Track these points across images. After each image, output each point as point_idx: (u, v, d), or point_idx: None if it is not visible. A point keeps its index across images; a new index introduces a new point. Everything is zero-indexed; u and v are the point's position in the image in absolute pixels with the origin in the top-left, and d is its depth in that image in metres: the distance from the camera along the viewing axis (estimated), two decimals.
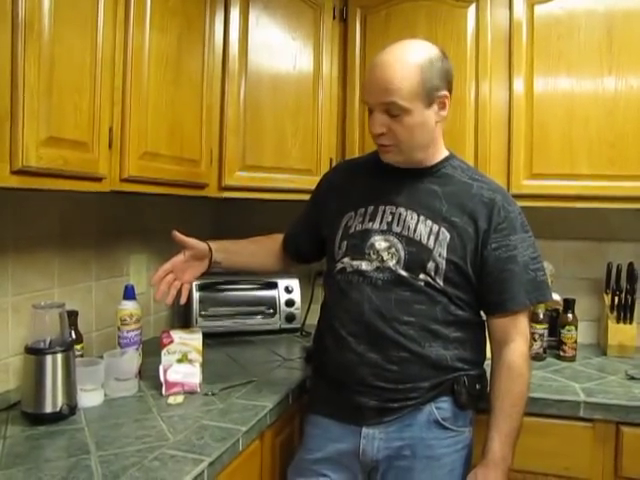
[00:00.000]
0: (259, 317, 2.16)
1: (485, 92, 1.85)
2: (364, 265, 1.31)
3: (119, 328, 1.56)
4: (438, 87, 1.26)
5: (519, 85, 1.82)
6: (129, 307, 1.57)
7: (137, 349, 1.58)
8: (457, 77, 1.41)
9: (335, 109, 1.98)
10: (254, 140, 1.88)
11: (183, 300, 1.43)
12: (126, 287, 1.59)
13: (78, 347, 1.48)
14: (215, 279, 2.14)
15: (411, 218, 1.31)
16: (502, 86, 1.84)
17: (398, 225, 1.31)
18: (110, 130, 1.34)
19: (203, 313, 2.08)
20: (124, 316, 1.56)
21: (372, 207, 1.35)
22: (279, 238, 1.61)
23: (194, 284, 2.07)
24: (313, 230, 1.51)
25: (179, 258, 1.43)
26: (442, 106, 1.29)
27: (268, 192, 1.91)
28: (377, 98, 1.25)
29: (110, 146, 1.34)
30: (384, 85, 1.23)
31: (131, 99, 1.39)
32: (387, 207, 1.33)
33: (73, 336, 1.45)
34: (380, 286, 1.29)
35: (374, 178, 1.38)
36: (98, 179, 1.32)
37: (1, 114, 1.05)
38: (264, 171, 1.89)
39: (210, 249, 1.46)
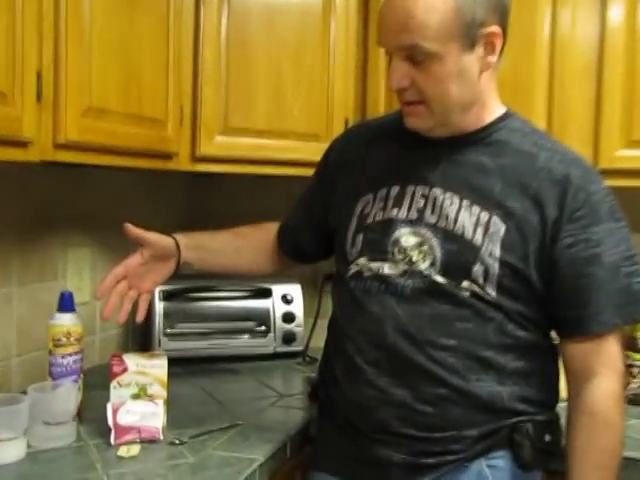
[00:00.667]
0: (246, 337, 2.14)
1: (565, 25, 1.83)
2: (386, 268, 1.31)
3: (51, 352, 1.53)
4: (483, 21, 1.23)
5: (616, 14, 1.79)
6: (66, 322, 1.54)
7: (76, 381, 1.55)
8: (521, 4, 1.38)
9: (353, 50, 1.96)
10: (240, 93, 1.86)
11: (139, 318, 1.44)
12: (62, 295, 1.56)
13: None
14: (185, 284, 2.12)
15: (450, 203, 1.29)
16: (590, 16, 1.82)
17: (433, 213, 1.30)
18: (38, 76, 1.31)
19: (169, 331, 2.07)
20: (58, 335, 1.53)
21: (397, 188, 1.34)
22: (273, 229, 1.60)
23: (157, 291, 2.06)
24: (317, 219, 1.50)
25: (135, 259, 1.44)
26: (491, 48, 1.26)
27: (259, 165, 1.90)
28: (394, 39, 1.23)
29: (39, 98, 1.31)
30: (403, 20, 1.20)
31: (67, 32, 1.36)
32: (418, 188, 1.32)
33: None
34: (408, 297, 1.28)
35: (400, 148, 1.37)
36: (22, 144, 1.29)
37: None
38: (254, 135, 1.88)
39: (178, 246, 1.47)
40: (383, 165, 1.38)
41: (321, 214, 1.49)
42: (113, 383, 1.51)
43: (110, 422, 1.46)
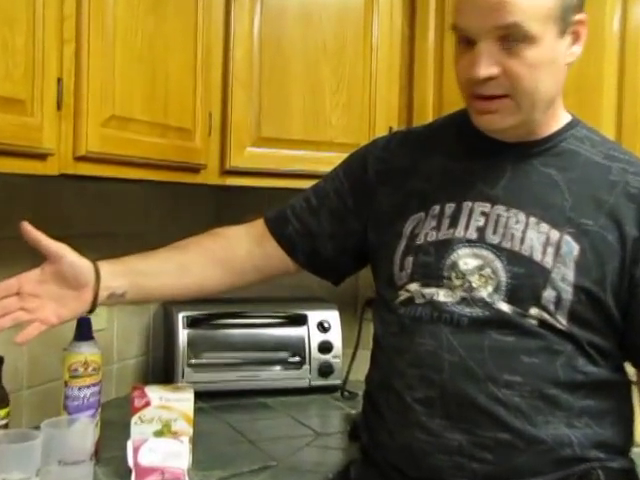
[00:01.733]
0: (278, 368, 2.15)
1: (637, 21, 1.82)
2: (442, 295, 1.30)
3: (67, 383, 1.55)
4: (577, 6, 1.24)
5: None
6: (83, 351, 1.56)
7: (94, 416, 1.57)
8: None
9: (397, 51, 1.98)
10: (274, 99, 1.88)
11: (21, 339, 1.28)
12: (79, 321, 1.57)
13: (2, 412, 1.47)
14: (211, 309, 2.14)
15: (516, 221, 1.29)
16: None
17: (495, 233, 1.29)
18: (59, 82, 1.34)
19: (193, 362, 2.08)
20: (75, 365, 1.55)
21: (454, 205, 1.33)
22: (232, 234, 1.53)
23: (180, 317, 2.07)
24: (346, 230, 1.48)
25: (32, 274, 1.30)
26: (576, 37, 1.27)
27: (294, 178, 1.91)
28: (488, 18, 1.21)
29: (59, 106, 1.34)
30: None
31: (89, 35, 1.39)
32: (477, 204, 1.32)
33: None
34: (466, 327, 1.27)
35: (454, 158, 1.37)
36: (41, 156, 1.32)
37: None
38: (289, 147, 1.90)
39: (97, 273, 1.32)
40: (434, 178, 1.37)
41: (357, 226, 1.47)
42: (134, 418, 1.53)
43: (130, 462, 1.47)
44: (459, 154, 1.36)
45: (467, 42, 1.25)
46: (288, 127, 1.90)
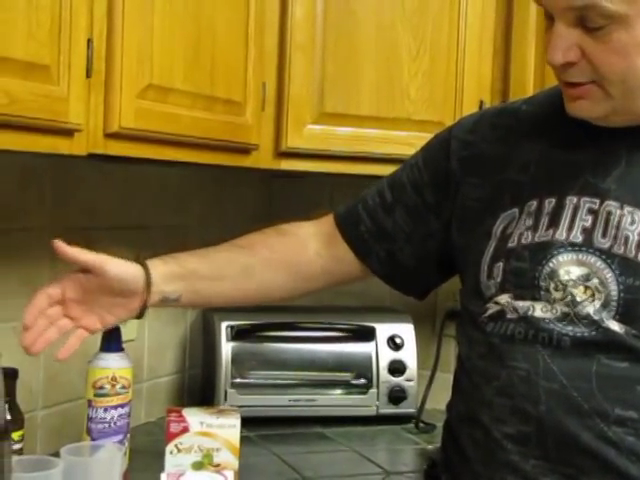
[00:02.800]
0: (339, 392, 2.17)
1: None
2: (538, 309, 1.30)
3: (90, 403, 1.58)
4: None
5: None
6: (111, 365, 1.59)
7: (122, 442, 1.60)
8: None
9: (491, 11, 1.97)
10: (341, 68, 1.89)
11: (63, 355, 1.37)
12: (106, 329, 1.61)
13: (15, 436, 1.51)
14: (259, 319, 2.16)
15: (631, 221, 1.28)
16: None
17: (605, 235, 1.29)
18: (88, 44, 1.36)
19: (238, 381, 2.11)
20: (101, 381, 1.58)
21: (554, 200, 1.33)
22: (302, 232, 1.58)
23: (223, 327, 2.10)
24: (426, 234, 1.49)
25: (77, 279, 1.39)
26: None
27: (363, 162, 1.93)
28: None
29: (88, 74, 1.37)
30: None
31: None
32: (584, 200, 1.31)
33: (8, 416, 1.47)
34: (569, 349, 1.27)
35: (556, 144, 1.37)
36: (68, 132, 1.35)
37: None
38: (358, 124, 1.91)
39: (148, 275, 1.40)
40: (531, 168, 1.37)
41: (437, 226, 1.48)
42: (169, 447, 1.55)
43: None
44: (562, 139, 1.36)
45: (550, 18, 1.26)
46: (357, 101, 1.91)
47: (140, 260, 1.42)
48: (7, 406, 1.44)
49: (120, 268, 1.39)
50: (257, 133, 1.80)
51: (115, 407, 1.59)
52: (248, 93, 1.77)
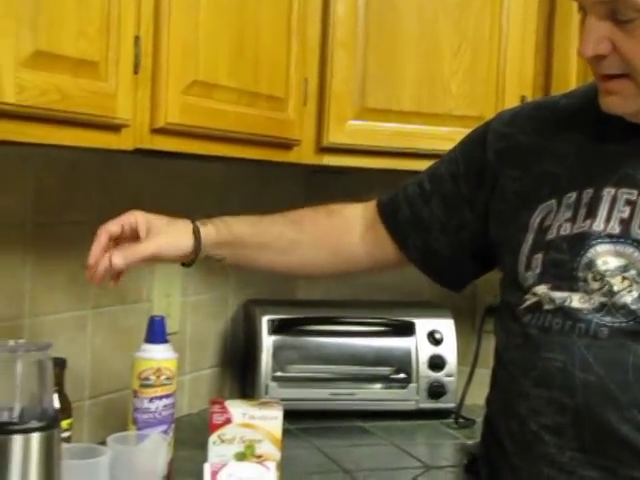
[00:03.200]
0: (379, 386, 2.18)
1: None
2: (576, 300, 1.30)
3: (136, 393, 1.61)
4: None
5: None
6: (156, 356, 1.61)
7: (167, 432, 1.62)
8: None
9: (534, 6, 1.97)
10: (383, 63, 1.91)
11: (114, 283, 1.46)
12: (151, 321, 1.64)
13: (64, 424, 1.53)
14: (300, 312, 2.19)
15: None
16: None
17: None
18: (136, 41, 1.38)
19: (279, 375, 2.13)
20: (146, 372, 1.61)
21: (591, 191, 1.33)
22: (351, 214, 1.62)
23: (264, 321, 2.13)
24: (461, 221, 1.51)
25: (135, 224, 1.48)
26: None
27: (405, 158, 1.93)
28: None
29: (136, 70, 1.39)
30: None
31: None
32: (621, 191, 1.31)
33: (57, 404, 1.50)
34: (606, 340, 1.27)
35: (594, 136, 1.37)
36: (115, 128, 1.37)
37: None
38: (400, 120, 1.92)
39: (198, 245, 1.49)
40: (569, 160, 1.37)
41: (471, 217, 1.50)
42: (212, 437, 1.58)
43: None
44: (601, 131, 1.36)
45: (584, 11, 1.26)
46: (398, 96, 1.91)
47: (194, 227, 1.50)
48: (56, 395, 1.47)
49: (175, 252, 1.48)
50: (299, 128, 1.82)
51: (160, 398, 1.61)
52: (290, 89, 1.78)
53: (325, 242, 1.61)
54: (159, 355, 1.62)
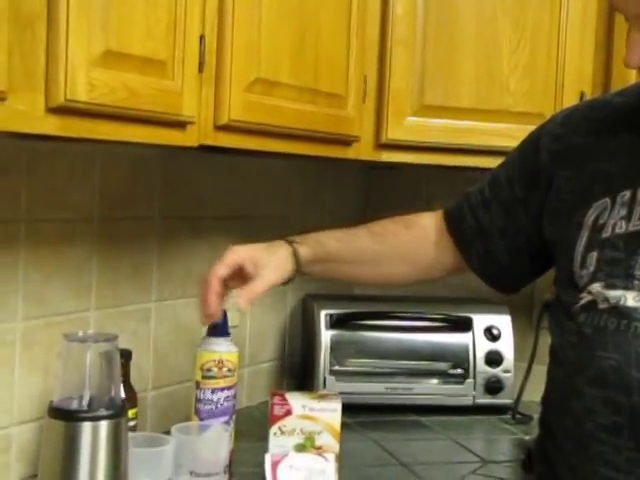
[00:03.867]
0: (436, 381, 2.20)
1: None
2: (630, 299, 1.29)
3: (199, 385, 1.64)
4: None
5: None
6: (218, 349, 1.64)
7: (228, 423, 1.65)
8: None
9: (593, 3, 1.96)
10: (441, 60, 1.92)
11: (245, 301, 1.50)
12: None
13: (130, 413, 1.58)
14: (358, 307, 2.21)
15: None
16: None
17: None
18: (201, 40, 1.42)
19: (336, 368, 2.15)
20: (208, 364, 1.64)
21: None
22: (428, 224, 1.64)
23: (322, 315, 2.16)
24: (518, 225, 1.51)
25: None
26: None
27: (462, 154, 1.94)
28: (628, 3, 1.25)
29: (201, 68, 1.42)
30: None
31: None
32: None
33: (122, 394, 1.54)
34: None
35: None
36: (181, 125, 1.40)
37: (33, 11, 1.13)
38: (458, 116, 1.93)
39: (297, 267, 1.55)
40: (622, 158, 1.36)
41: (526, 220, 1.49)
42: (273, 429, 1.61)
43: (269, 479, 1.53)
44: None
45: (629, 22, 1.27)
46: (456, 93, 1.93)
47: (292, 249, 1.54)
48: (123, 385, 1.52)
49: (279, 279, 1.53)
50: (358, 125, 1.84)
51: (222, 389, 1.64)
52: (350, 86, 1.79)
53: (406, 254, 1.64)
54: (221, 348, 1.65)
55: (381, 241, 1.63)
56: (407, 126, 1.91)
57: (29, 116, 1.15)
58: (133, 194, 1.84)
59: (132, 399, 1.62)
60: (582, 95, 1.96)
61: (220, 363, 1.63)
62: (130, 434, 1.46)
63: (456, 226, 1.59)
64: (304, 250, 1.55)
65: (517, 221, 1.50)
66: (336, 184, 2.43)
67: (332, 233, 1.61)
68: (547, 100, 1.95)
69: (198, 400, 1.64)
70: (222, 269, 1.49)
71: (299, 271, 1.55)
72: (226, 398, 1.64)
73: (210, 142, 1.47)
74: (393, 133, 1.90)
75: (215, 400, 1.63)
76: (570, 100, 1.92)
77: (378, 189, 2.53)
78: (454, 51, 1.92)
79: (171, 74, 1.36)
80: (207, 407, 1.63)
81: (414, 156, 1.95)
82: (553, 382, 1.44)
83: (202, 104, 1.44)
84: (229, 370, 1.65)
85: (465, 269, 1.61)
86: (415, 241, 1.64)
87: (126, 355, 1.61)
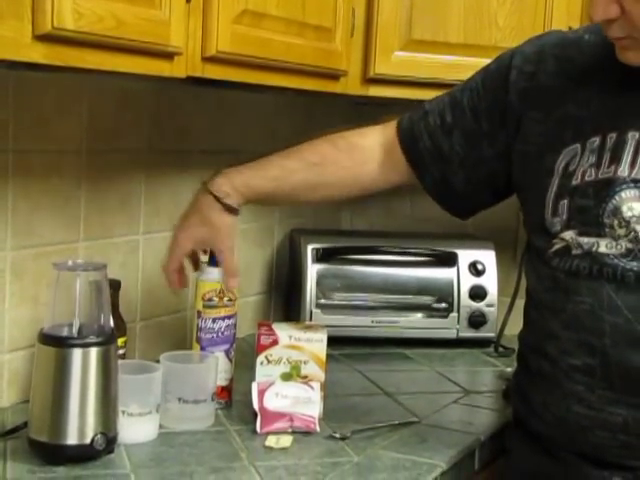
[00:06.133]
0: (421, 315, 2.23)
1: None
2: (603, 245, 1.30)
3: (200, 314, 1.66)
4: None
5: None
6: (219, 278, 1.65)
7: (229, 351, 1.68)
8: None
9: None
10: None
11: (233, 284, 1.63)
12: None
13: (120, 341, 1.60)
14: (345, 241, 2.23)
15: None
16: None
17: None
18: None
19: (322, 302, 2.18)
20: (209, 294, 1.66)
21: (615, 135, 1.32)
22: (367, 144, 1.64)
23: (309, 249, 2.17)
24: (478, 159, 1.50)
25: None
26: None
27: (450, 89, 1.92)
28: None
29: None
30: None
31: None
32: None
33: (111, 323, 1.57)
34: (633, 284, 1.28)
35: (619, 78, 1.34)
36: (169, 56, 1.40)
37: None
38: (446, 51, 1.93)
39: (233, 213, 1.60)
40: (593, 103, 1.36)
41: (490, 154, 1.49)
42: (260, 358, 1.63)
43: (256, 406, 1.58)
44: (625, 74, 1.33)
45: None
46: (445, 28, 1.92)
47: (227, 208, 1.57)
48: (111, 314, 1.52)
49: (234, 237, 1.63)
50: (346, 59, 1.83)
51: (222, 318, 1.66)
52: (338, 19, 1.79)
53: (347, 179, 1.62)
54: (222, 278, 1.65)
55: (319, 172, 1.61)
56: (395, 61, 1.91)
57: (16, 43, 1.14)
58: (121, 127, 1.84)
59: (121, 328, 1.65)
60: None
61: (221, 293, 1.65)
62: (120, 361, 1.48)
63: (410, 145, 1.56)
64: (234, 200, 1.57)
65: (480, 153, 1.49)
66: (324, 120, 2.39)
67: (265, 170, 1.61)
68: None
69: (199, 329, 1.66)
70: (174, 264, 1.59)
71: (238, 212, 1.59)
72: (227, 327, 1.67)
73: (198, 74, 1.47)
74: (381, 68, 1.90)
75: (216, 329, 1.66)
76: None
77: (365, 124, 2.52)
78: None
79: (159, 3, 1.35)
80: (208, 335, 1.65)
81: (402, 91, 1.95)
82: (530, 323, 1.46)
83: (190, 35, 1.43)
84: (229, 300, 1.67)
85: (417, 186, 1.59)
86: (358, 166, 1.62)
87: (115, 285, 1.63)
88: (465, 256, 2.22)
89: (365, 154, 1.62)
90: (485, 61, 1.89)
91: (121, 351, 1.62)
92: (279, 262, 2.36)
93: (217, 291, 1.65)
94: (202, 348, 1.65)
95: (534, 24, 1.95)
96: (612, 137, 1.31)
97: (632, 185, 1.28)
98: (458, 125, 1.51)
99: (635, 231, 1.27)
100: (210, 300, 1.65)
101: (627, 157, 1.30)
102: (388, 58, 1.90)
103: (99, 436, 1.40)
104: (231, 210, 1.56)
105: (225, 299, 1.66)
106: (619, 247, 1.28)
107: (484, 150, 1.49)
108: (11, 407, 1.63)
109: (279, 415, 1.57)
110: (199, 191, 1.60)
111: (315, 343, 1.63)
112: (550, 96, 1.40)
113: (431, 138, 1.53)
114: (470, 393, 1.89)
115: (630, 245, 1.28)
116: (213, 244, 1.59)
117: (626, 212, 1.28)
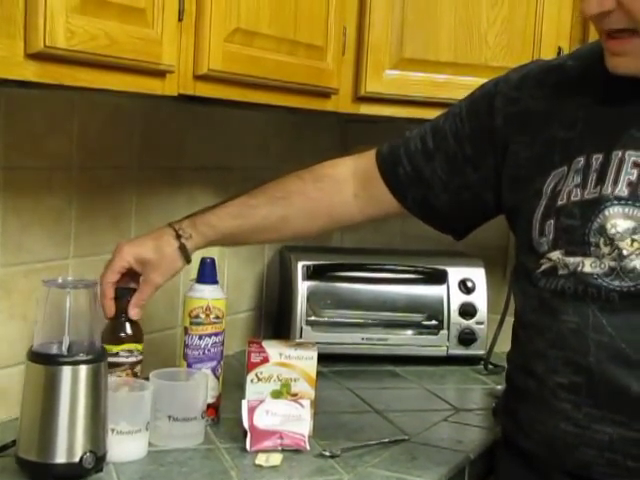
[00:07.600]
0: (410, 332, 2.22)
1: None
2: (587, 264, 1.31)
3: (187, 331, 1.66)
4: None
5: None
6: (206, 295, 1.65)
7: (216, 368, 1.67)
8: None
9: None
10: (420, 13, 1.92)
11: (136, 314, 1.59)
12: (202, 261, 1.68)
13: (139, 347, 1.61)
14: (335, 259, 2.23)
15: None
16: None
17: None
18: None
19: (313, 319, 2.17)
20: (196, 311, 1.65)
21: (601, 156, 1.33)
22: (338, 174, 1.62)
23: (299, 266, 2.17)
24: (462, 184, 1.50)
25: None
26: None
27: (441, 108, 1.88)
28: None
29: (180, 17, 1.42)
30: None
31: None
32: (629, 153, 1.31)
33: (129, 331, 1.60)
34: (617, 303, 1.29)
35: (603, 100, 1.36)
36: (161, 74, 1.40)
37: None
38: (436, 70, 1.94)
39: (186, 253, 1.57)
40: (578, 124, 1.36)
41: (474, 178, 1.49)
42: (250, 375, 1.63)
43: (246, 424, 1.57)
44: (608, 94, 1.34)
45: None
46: (435, 47, 1.93)
47: (179, 245, 1.55)
48: (128, 323, 1.59)
49: (172, 276, 1.59)
50: (337, 77, 1.84)
51: (209, 335, 1.65)
52: (329, 38, 1.79)
53: (316, 210, 1.61)
54: (209, 294, 1.65)
55: (286, 204, 1.60)
56: (386, 79, 1.91)
57: (8, 62, 1.15)
58: (112, 144, 1.84)
59: (138, 334, 1.62)
60: (560, 51, 1.96)
61: (208, 310, 1.65)
62: (110, 379, 1.48)
63: (389, 169, 1.56)
64: (194, 241, 1.56)
65: (463, 178, 1.49)
66: (315, 138, 2.43)
67: (227, 208, 1.59)
68: (525, 55, 1.93)
69: (186, 346, 1.66)
70: (111, 276, 1.55)
71: (190, 260, 1.58)
72: (213, 344, 1.66)
73: (189, 92, 1.48)
74: (372, 86, 1.90)
75: (202, 346, 1.65)
76: (547, 55, 1.91)
77: (357, 143, 2.51)
78: (433, 4, 1.92)
79: (151, 22, 1.36)
80: (195, 352, 1.65)
81: (392, 109, 1.95)
82: (517, 342, 1.47)
83: (182, 53, 1.44)
84: (217, 317, 1.66)
85: (404, 214, 1.58)
86: (327, 195, 1.61)
87: (128, 293, 1.61)
88: (455, 273, 2.22)
89: (336, 185, 1.61)
90: (475, 79, 1.90)
91: (141, 357, 1.61)
92: (269, 279, 2.35)
93: (204, 308, 1.65)
94: (189, 365, 1.65)
95: (524, 43, 1.96)
96: (598, 158, 1.32)
97: (616, 202, 1.29)
98: (440, 150, 1.51)
99: (618, 248, 1.27)
100: (197, 317, 1.65)
101: (610, 176, 1.30)
102: (379, 76, 1.91)
103: (88, 454, 1.39)
104: (184, 253, 1.56)
105: (212, 316, 1.65)
106: (602, 266, 1.29)
107: (468, 175, 1.49)
108: (1, 424, 1.62)
109: (269, 433, 1.57)
110: (163, 226, 1.59)
111: (305, 361, 1.63)
112: (536, 120, 1.41)
113: (411, 163, 1.53)
114: (460, 411, 1.89)
115: (613, 264, 1.28)
116: (149, 272, 1.56)
117: (610, 229, 1.28)
